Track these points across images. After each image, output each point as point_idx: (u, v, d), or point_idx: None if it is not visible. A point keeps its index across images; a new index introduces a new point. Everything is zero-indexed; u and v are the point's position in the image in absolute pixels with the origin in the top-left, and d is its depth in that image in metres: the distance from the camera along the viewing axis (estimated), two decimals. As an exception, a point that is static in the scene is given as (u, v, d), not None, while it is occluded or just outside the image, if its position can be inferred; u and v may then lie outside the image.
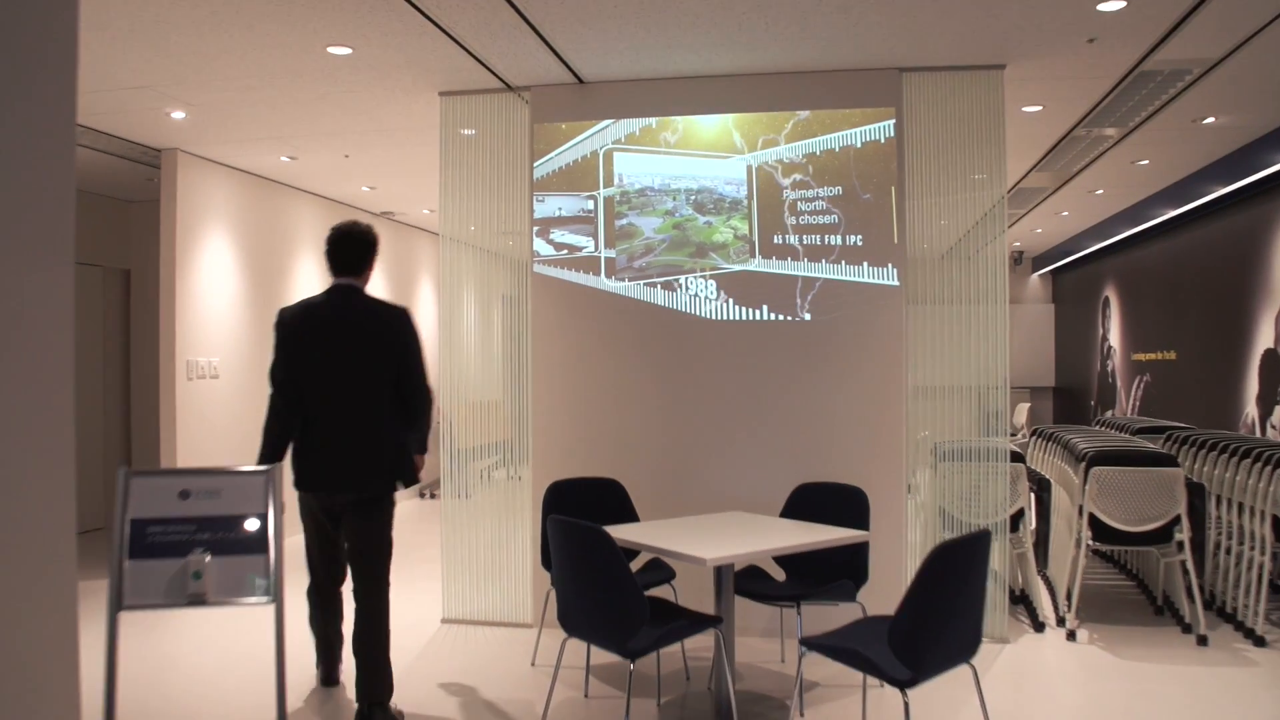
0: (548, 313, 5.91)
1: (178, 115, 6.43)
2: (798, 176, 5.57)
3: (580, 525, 3.84)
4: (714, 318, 5.64)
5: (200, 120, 6.55)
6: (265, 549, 2.40)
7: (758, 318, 5.60)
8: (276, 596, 2.38)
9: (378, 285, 10.38)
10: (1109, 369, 12.21)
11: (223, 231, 7.84)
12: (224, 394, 7.85)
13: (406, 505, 10.53)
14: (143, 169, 7.56)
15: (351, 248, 4.66)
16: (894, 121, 5.50)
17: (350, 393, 4.26)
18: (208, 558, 2.34)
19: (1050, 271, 14.68)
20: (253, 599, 2.42)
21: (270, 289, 8.40)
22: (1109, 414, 11.72)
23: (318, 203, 9.21)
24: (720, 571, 4.10)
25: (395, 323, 4.43)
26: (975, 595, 3.51)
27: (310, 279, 9.07)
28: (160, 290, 7.40)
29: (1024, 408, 13.36)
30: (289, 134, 6.94)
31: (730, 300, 5.62)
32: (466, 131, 6.19)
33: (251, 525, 2.39)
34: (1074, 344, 13.95)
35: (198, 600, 2.36)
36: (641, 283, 5.71)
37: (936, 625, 3.37)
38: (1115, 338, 11.94)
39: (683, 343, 5.71)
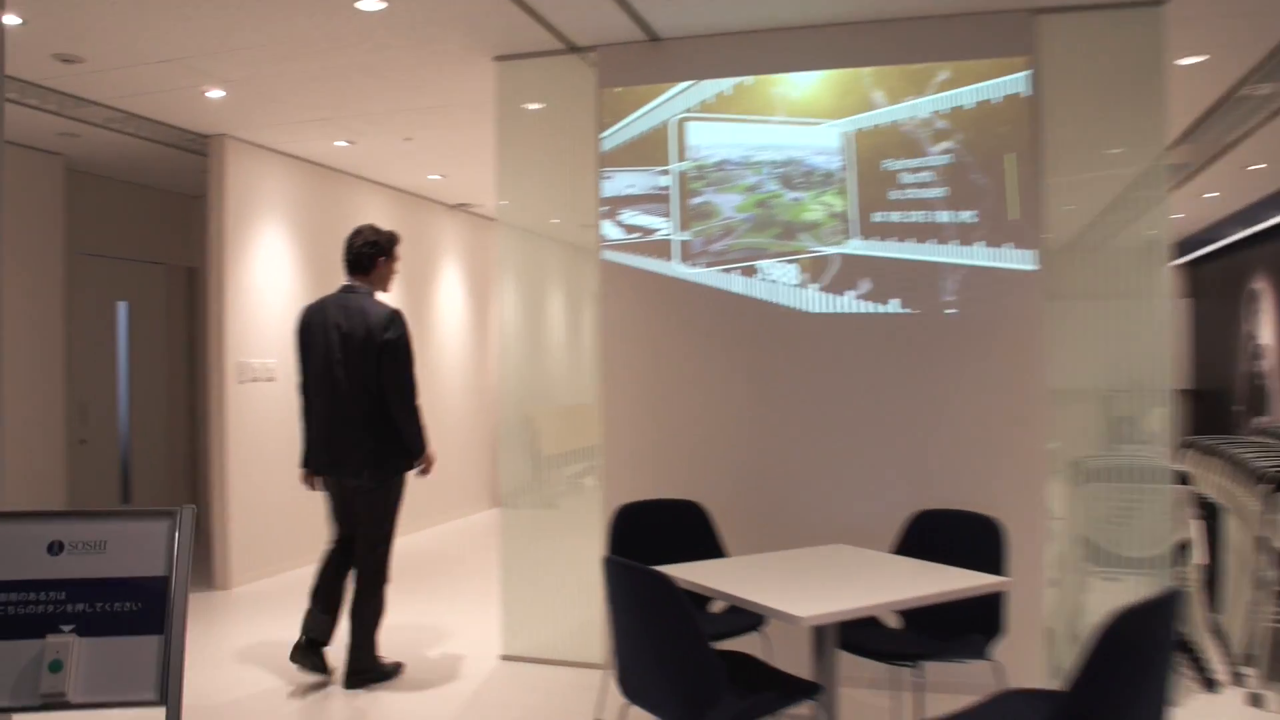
0: (617, 304, 5.14)
1: (216, 94, 5.84)
2: (904, 143, 4.69)
3: (641, 571, 3.06)
4: (807, 309, 4.79)
5: (241, 100, 5.95)
6: (160, 626, 1.65)
7: (859, 309, 4.74)
8: (169, 697, 1.63)
9: (456, 286, 9.76)
10: (1258, 370, 10.94)
11: (278, 224, 7.26)
12: (280, 397, 7.26)
13: (487, 516, 9.88)
14: (195, 159, 7.02)
15: (359, 248, 4.93)
16: (1025, 75, 4.57)
17: (336, 388, 4.67)
18: (75, 640, 1.61)
19: (1186, 263, 13.37)
20: (135, 700, 1.65)
21: (331, 287, 7.79)
22: (1263, 420, 10.46)
23: (385, 194, 8.60)
24: (821, 631, 3.27)
25: (379, 323, 4.67)
26: (1162, 672, 2.62)
27: (376, 275, 8.46)
28: (209, 287, 6.85)
29: (1161, 413, 12.11)
30: (339, 114, 6.31)
31: (825, 288, 4.77)
32: (531, 106, 5.47)
33: (143, 593, 1.65)
34: (1213, 342, 12.64)
35: (55, 701, 1.62)
36: (718, 269, 4.89)
37: (1114, 714, 2.50)
38: (1268, 335, 10.67)
39: (773, 338, 4.87)
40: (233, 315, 6.82)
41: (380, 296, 4.90)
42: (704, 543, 4.28)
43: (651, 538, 4.22)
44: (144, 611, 1.69)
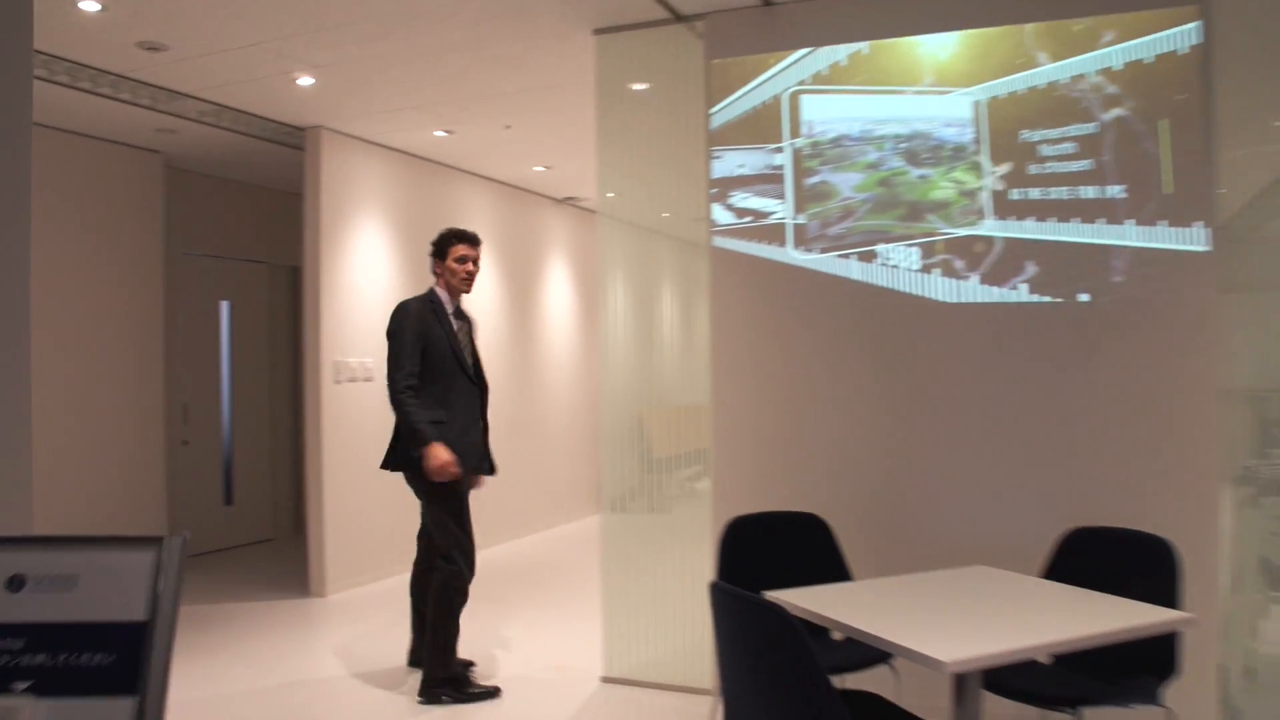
0: (727, 294, 4.70)
1: (305, 81, 5.59)
2: (1045, 111, 4.13)
3: (752, 601, 2.61)
4: (937, 298, 4.27)
5: (332, 86, 5.69)
6: (134, 685, 1.27)
7: (996, 298, 4.20)
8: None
9: (564, 283, 9.43)
10: None
11: (377, 220, 7.01)
12: (379, 397, 7.01)
13: (592, 522, 9.53)
14: (294, 154, 6.83)
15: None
16: (1191, 27, 3.96)
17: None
18: (30, 703, 1.25)
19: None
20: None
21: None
22: None
23: (488, 188, 8.31)
24: (963, 679, 2.77)
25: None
26: None
27: (481, 273, 8.16)
28: (304, 285, 6.63)
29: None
30: (433, 99, 6.01)
31: (957, 274, 4.24)
32: (636, 86, 5.07)
33: (118, 642, 1.28)
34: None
35: (3, 779, 1.27)
36: (836, 254, 4.41)
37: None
38: None
39: (898, 331, 4.36)
40: (329, 313, 6.59)
41: (468, 297, 4.82)
42: (825, 562, 3.81)
43: (766, 555, 3.77)
44: (117, 666, 1.33)
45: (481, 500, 8.38)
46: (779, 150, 4.52)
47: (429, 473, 4.33)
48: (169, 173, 7.41)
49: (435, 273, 4.64)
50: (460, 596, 4.49)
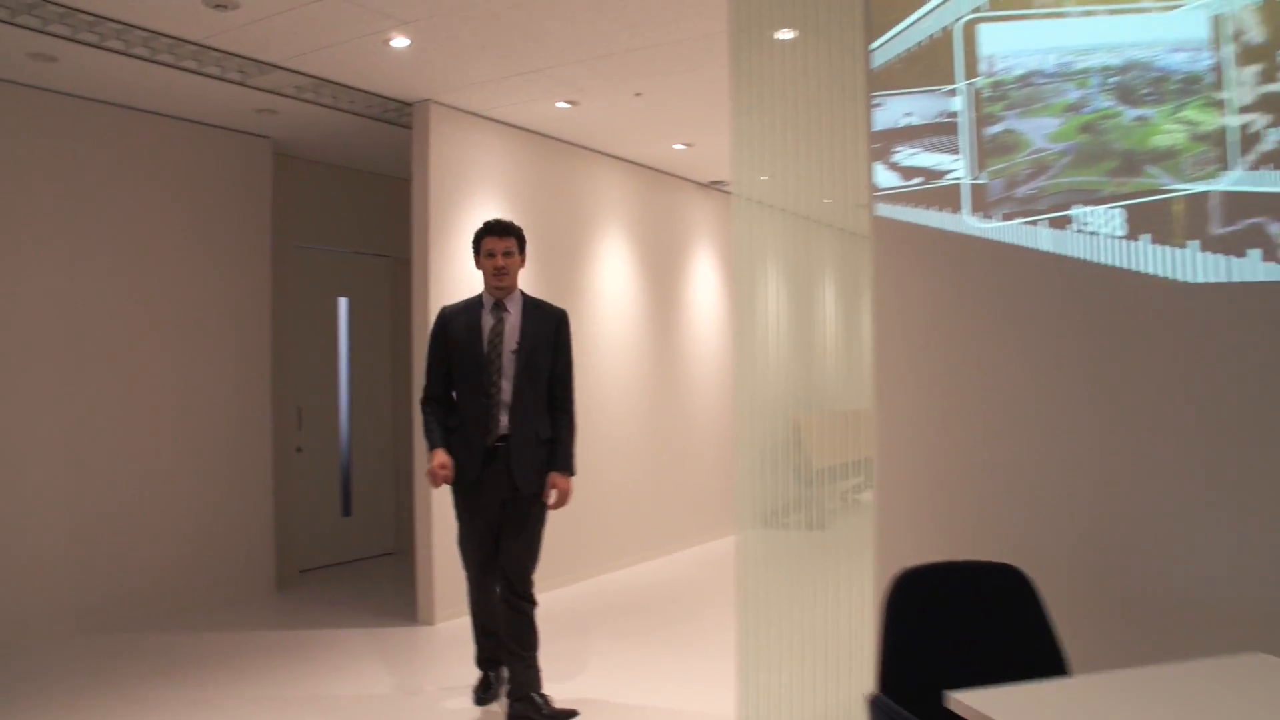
0: (892, 274, 3.75)
1: (400, 43, 4.90)
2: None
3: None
4: (1164, 274, 3.19)
5: (431, 50, 5.00)
6: None
7: (1250, 275, 3.09)
8: None
9: (711, 278, 8.56)
10: None
11: (494, 205, 6.30)
12: (496, 405, 6.32)
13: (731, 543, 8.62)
14: (408, 135, 6.19)
15: None
16: None
17: None
18: None
19: None
20: None
21: (560, 276, 6.80)
22: None
23: (623, 170, 7.51)
24: None
25: None
26: None
27: (615, 265, 7.40)
28: (413, 278, 5.97)
29: None
30: (550, 61, 5.24)
31: (1190, 244, 3.15)
32: (782, 34, 4.19)
33: None
34: None
35: None
36: (1024, 220, 3.39)
37: None
38: None
39: (1115, 319, 3.29)
40: (436, 305, 5.90)
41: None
42: (1027, 636, 2.81)
43: (945, 623, 2.82)
44: None
45: (608, 516, 7.70)
46: (953, 93, 3.54)
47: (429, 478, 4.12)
48: (278, 160, 6.90)
49: (480, 269, 4.28)
50: (470, 606, 4.38)
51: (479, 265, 4.21)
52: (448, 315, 4.22)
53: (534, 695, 4.13)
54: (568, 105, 6.01)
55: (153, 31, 4.70)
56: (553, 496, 4.15)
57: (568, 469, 4.16)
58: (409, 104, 5.91)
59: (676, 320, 8.11)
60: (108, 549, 5.70)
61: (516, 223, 6.51)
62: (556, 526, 4.68)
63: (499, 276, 4.14)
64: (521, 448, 4.05)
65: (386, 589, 6.72)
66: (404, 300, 7.89)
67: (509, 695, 4.15)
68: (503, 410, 4.04)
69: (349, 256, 7.66)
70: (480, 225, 4.27)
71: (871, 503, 4.01)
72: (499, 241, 4.16)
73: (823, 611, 4.14)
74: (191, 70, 5.20)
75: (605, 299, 7.27)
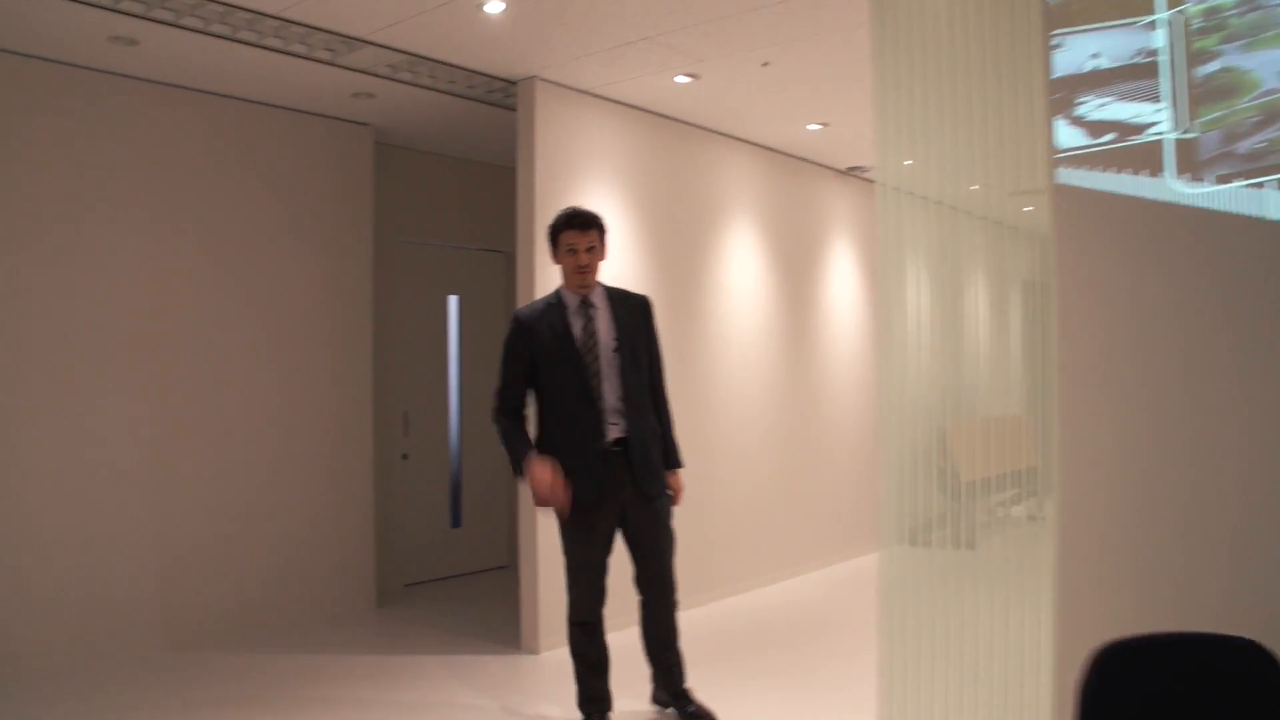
0: (1078, 255, 3.01)
1: (495, 8, 4.39)
2: None
3: None
4: None
5: (529, 17, 4.48)
6: None
7: None
8: None
9: (849, 274, 7.83)
10: None
11: (609, 194, 5.75)
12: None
13: (872, 561, 7.85)
14: (514, 119, 5.71)
15: None
16: None
17: None
18: None
19: None
20: None
21: (682, 271, 6.21)
22: None
23: (752, 155, 6.86)
24: None
25: None
26: None
27: (743, 259, 6.75)
28: (518, 273, 5.47)
29: None
30: (664, 26, 4.65)
31: None
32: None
33: None
34: None
35: None
36: (1246, 183, 2.63)
37: None
38: None
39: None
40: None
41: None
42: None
43: (1160, 715, 2.11)
44: None
45: (733, 532, 7.03)
46: (1153, 26, 2.79)
47: (535, 497, 3.72)
48: (380, 150, 6.51)
49: (557, 264, 3.96)
50: (573, 643, 3.97)
51: (556, 260, 3.89)
52: (527, 321, 3.87)
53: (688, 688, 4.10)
54: (688, 79, 5.40)
55: (228, 4, 4.30)
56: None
57: (679, 463, 4.00)
58: (513, 82, 5.41)
59: (810, 319, 7.41)
60: (196, 564, 5.37)
61: (633, 215, 5.98)
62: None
63: (582, 274, 3.82)
64: (642, 448, 3.81)
65: (495, 607, 6.24)
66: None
67: (670, 694, 4.09)
68: (613, 414, 3.77)
69: (459, 252, 7.23)
70: (557, 216, 3.90)
71: (1029, 519, 3.51)
72: (581, 236, 3.81)
73: (978, 644, 3.49)
74: (277, 49, 4.80)
75: (732, 296, 6.63)
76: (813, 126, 6.41)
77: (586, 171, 5.62)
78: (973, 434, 8.72)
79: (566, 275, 3.86)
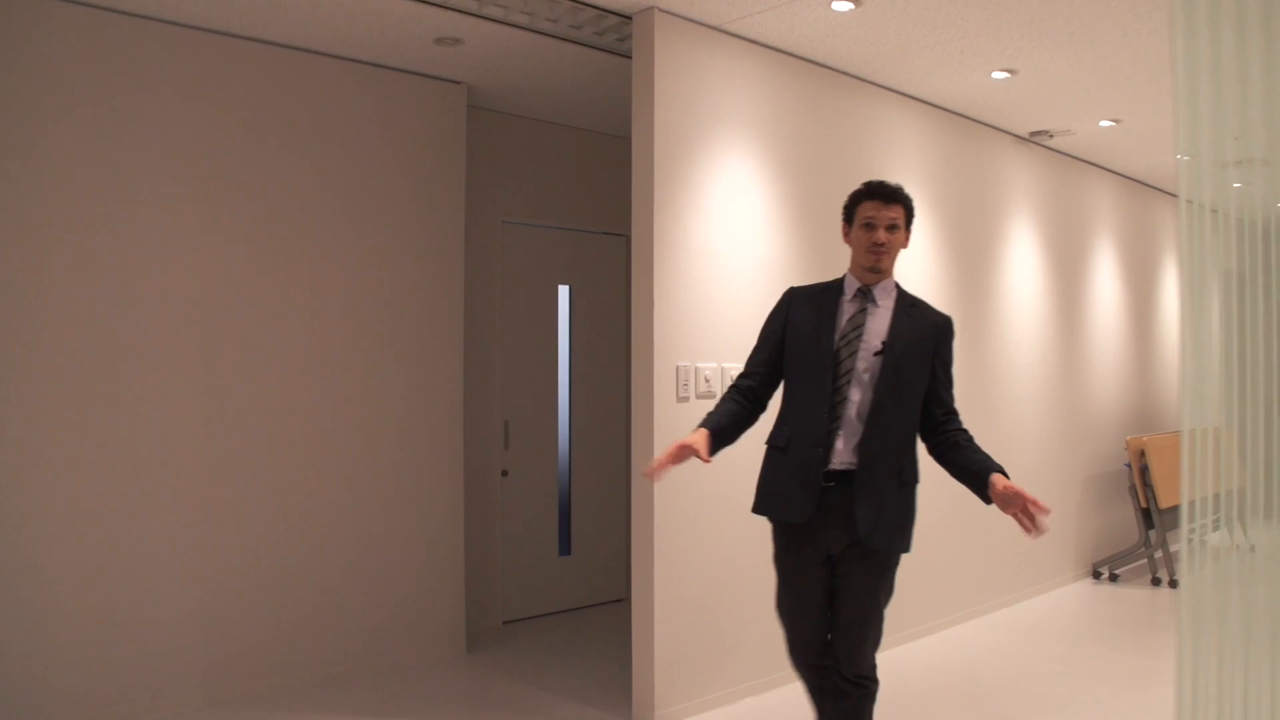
0: None
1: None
2: None
3: None
4: None
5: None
6: None
7: None
8: None
9: (1031, 262, 6.56)
10: None
11: (744, 157, 4.68)
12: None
13: (1074, 591, 6.56)
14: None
15: None
16: None
17: None
18: None
19: None
20: None
21: (833, 252, 5.09)
22: None
23: (914, 112, 5.68)
24: None
25: None
26: None
27: (916, 246, 5.57)
28: (633, 256, 4.44)
29: None
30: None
31: None
32: None
33: None
34: None
35: None
36: None
37: None
38: None
39: None
40: (668, 298, 4.35)
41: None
42: None
43: None
44: None
45: (984, 553, 5.88)
46: None
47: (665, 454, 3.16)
48: (476, 116, 5.59)
49: (848, 244, 3.40)
50: (794, 670, 3.39)
51: (848, 238, 3.35)
52: (796, 296, 3.40)
53: None
54: (848, 5, 4.29)
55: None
56: (1020, 507, 3.02)
57: (998, 466, 3.15)
58: (628, 17, 4.39)
59: (988, 318, 6.17)
60: (245, 605, 4.51)
61: (774, 184, 4.89)
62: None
63: (875, 254, 3.23)
64: (872, 482, 3.14)
65: (605, 653, 5.25)
66: (636, 289, 6.39)
67: None
68: (847, 427, 3.18)
69: (571, 235, 6.26)
70: (860, 187, 3.34)
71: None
72: (883, 209, 3.25)
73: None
74: (337, -23, 3.90)
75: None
76: (999, 74, 5.20)
77: (718, 130, 4.55)
78: (1163, 450, 7.42)
79: (856, 255, 3.30)
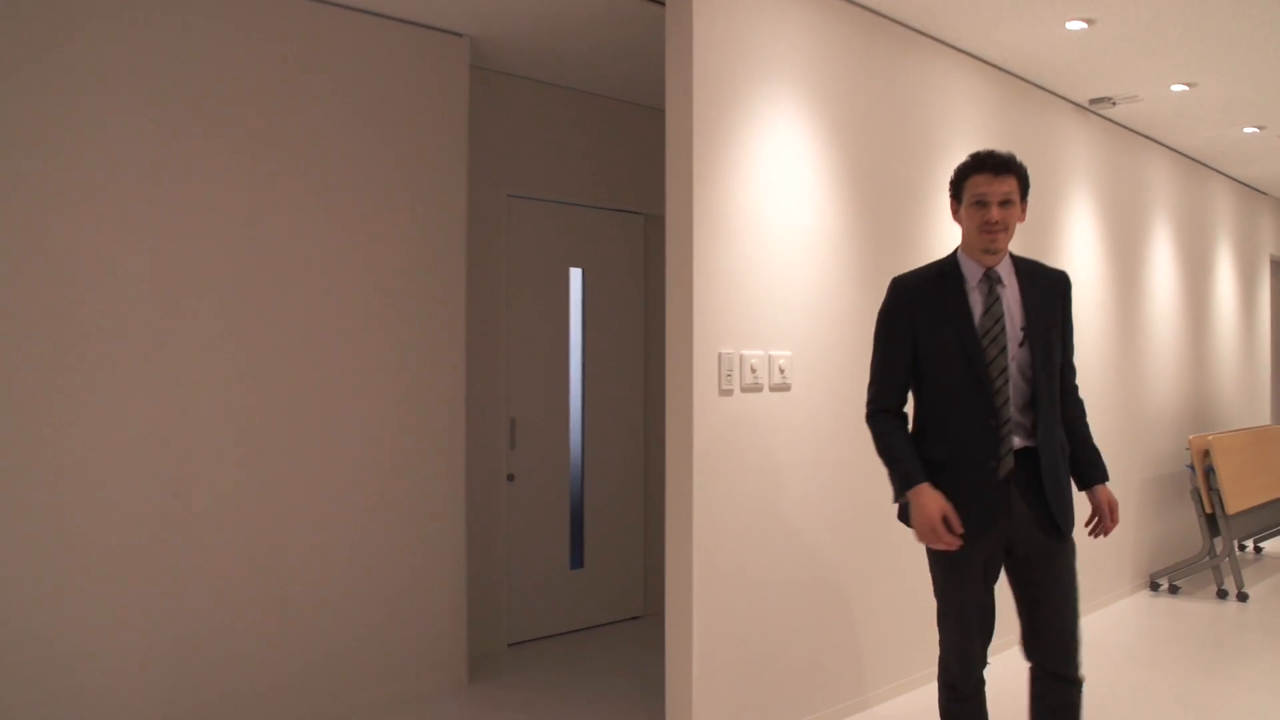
0: None
1: None
2: None
3: None
4: None
5: None
6: None
7: None
8: None
9: (1091, 238, 5.95)
10: None
11: (788, 118, 4.06)
12: (806, 421, 4.08)
13: (1132, 605, 5.98)
14: (659, 37, 4.09)
15: None
16: None
17: None
18: None
19: None
20: None
21: (894, 225, 4.49)
22: None
23: (977, 72, 5.08)
24: None
25: None
26: None
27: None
28: (668, 231, 3.82)
29: None
30: None
31: None
32: None
33: None
34: None
35: None
36: None
37: None
38: None
39: None
40: (706, 274, 3.73)
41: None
42: None
43: None
44: None
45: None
46: None
47: (916, 533, 2.94)
48: (480, 76, 4.98)
49: (958, 222, 3.16)
50: (943, 712, 3.08)
51: (957, 216, 3.11)
52: (912, 292, 3.09)
53: None
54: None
55: None
56: (1096, 520, 3.13)
57: (1105, 475, 3.16)
58: (661, -47, 3.78)
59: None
60: (213, 632, 3.87)
61: (834, 149, 4.28)
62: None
63: (990, 233, 2.99)
64: (1054, 468, 3.01)
65: (626, 676, 4.66)
66: (662, 269, 5.83)
67: None
68: (1015, 427, 2.99)
69: (585, 212, 5.64)
70: (966, 159, 3.06)
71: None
72: (995, 182, 2.99)
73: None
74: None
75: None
76: (1074, 24, 4.58)
77: (762, 85, 3.93)
78: (1233, 450, 7.02)
79: (968, 235, 3.04)
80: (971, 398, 2.94)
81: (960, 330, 2.97)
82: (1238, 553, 7.63)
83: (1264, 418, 8.95)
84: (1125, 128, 6.37)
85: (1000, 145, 5.19)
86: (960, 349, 2.96)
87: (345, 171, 4.24)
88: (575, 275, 5.60)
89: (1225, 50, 4.91)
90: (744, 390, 3.83)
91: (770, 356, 3.92)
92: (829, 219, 4.19)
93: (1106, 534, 3.12)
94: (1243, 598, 6.31)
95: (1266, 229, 9.11)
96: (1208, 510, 6.39)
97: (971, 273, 3.01)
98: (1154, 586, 6.64)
